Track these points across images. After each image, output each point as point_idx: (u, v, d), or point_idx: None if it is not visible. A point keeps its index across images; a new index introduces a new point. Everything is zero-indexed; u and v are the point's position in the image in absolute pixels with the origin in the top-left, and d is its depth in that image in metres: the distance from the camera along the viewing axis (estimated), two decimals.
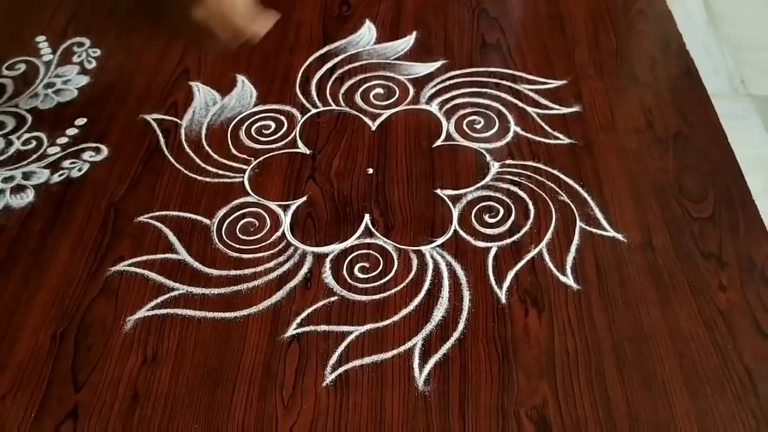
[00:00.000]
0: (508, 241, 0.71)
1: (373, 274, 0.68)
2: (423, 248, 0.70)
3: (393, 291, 0.67)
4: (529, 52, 0.91)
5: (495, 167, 0.78)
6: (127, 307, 0.66)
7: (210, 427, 0.59)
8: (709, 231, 0.72)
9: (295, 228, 0.73)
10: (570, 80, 0.87)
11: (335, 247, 0.71)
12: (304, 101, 0.86)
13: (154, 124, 0.82)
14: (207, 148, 0.80)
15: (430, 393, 0.60)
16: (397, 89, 0.87)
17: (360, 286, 0.68)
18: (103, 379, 0.62)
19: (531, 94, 0.86)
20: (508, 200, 0.74)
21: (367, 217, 0.73)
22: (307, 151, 0.80)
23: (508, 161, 0.78)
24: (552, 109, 0.84)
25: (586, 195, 0.75)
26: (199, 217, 0.73)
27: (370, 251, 0.70)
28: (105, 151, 0.80)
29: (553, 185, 0.76)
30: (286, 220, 0.73)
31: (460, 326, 0.64)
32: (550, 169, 0.77)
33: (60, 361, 0.63)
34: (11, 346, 0.64)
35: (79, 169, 0.78)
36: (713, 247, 0.70)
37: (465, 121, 0.83)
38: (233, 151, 0.80)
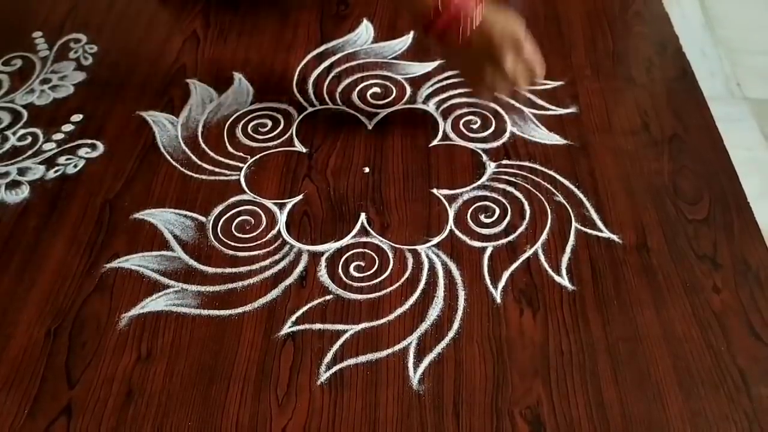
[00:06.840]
0: (504, 241, 0.71)
1: (369, 273, 0.68)
2: (419, 247, 0.70)
3: (388, 290, 0.67)
4: None
5: (491, 167, 0.78)
6: (121, 304, 0.66)
7: (204, 425, 0.59)
8: (703, 233, 0.72)
9: (290, 226, 0.72)
10: (567, 81, 0.87)
11: (331, 246, 0.71)
12: (301, 99, 0.85)
13: (151, 121, 0.82)
14: (203, 145, 0.80)
15: (425, 392, 0.60)
16: (394, 88, 0.87)
17: (355, 284, 0.68)
18: (97, 376, 0.62)
19: (527, 94, 0.86)
20: (504, 200, 0.75)
21: (363, 216, 0.73)
22: (304, 150, 0.80)
23: (504, 161, 0.78)
24: (548, 109, 0.84)
25: (581, 196, 0.75)
26: (194, 215, 0.73)
27: (366, 250, 0.70)
28: (101, 147, 0.80)
29: (549, 186, 0.76)
30: (281, 218, 0.73)
31: (455, 326, 0.64)
32: (546, 170, 0.77)
33: (54, 358, 0.63)
34: (5, 342, 0.64)
35: (75, 166, 0.78)
36: (708, 248, 0.70)
37: (461, 121, 0.83)
38: (229, 148, 0.80)
